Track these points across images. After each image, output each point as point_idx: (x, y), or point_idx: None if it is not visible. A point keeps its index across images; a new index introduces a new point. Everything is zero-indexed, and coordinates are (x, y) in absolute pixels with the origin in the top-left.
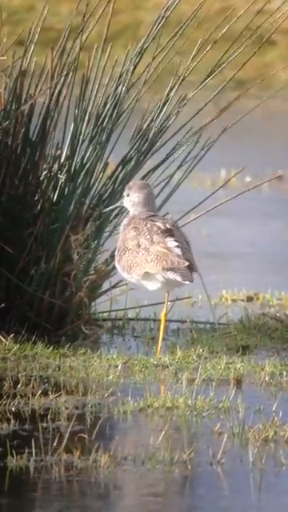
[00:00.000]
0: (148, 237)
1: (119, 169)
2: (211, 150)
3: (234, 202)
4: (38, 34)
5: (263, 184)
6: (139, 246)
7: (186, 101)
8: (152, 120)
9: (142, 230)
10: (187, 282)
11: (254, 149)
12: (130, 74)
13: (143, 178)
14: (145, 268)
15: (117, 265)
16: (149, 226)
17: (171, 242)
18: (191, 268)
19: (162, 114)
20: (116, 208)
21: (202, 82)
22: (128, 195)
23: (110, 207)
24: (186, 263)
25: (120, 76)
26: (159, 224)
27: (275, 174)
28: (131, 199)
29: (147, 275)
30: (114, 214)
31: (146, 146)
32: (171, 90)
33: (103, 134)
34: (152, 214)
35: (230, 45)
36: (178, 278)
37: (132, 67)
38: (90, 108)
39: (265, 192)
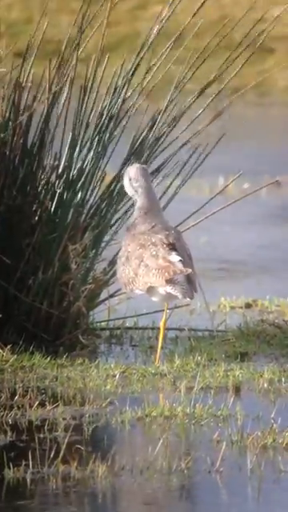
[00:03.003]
0: (154, 253)
1: (117, 178)
2: (209, 156)
3: (232, 209)
4: (36, 46)
5: (262, 190)
6: (142, 262)
7: (182, 112)
8: (150, 130)
9: (147, 247)
10: (188, 300)
11: (252, 155)
12: (127, 84)
13: None
14: (147, 283)
15: (118, 278)
16: (153, 240)
17: (174, 257)
18: (191, 283)
19: (160, 123)
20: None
21: (200, 92)
22: (130, 180)
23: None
24: (189, 270)
25: (117, 86)
26: (162, 237)
27: (273, 180)
28: (132, 184)
29: (150, 289)
30: (112, 222)
31: (143, 155)
32: (169, 100)
33: (101, 143)
34: (152, 225)
35: (230, 54)
36: (179, 295)
37: (129, 77)
38: (88, 118)
39: (263, 198)
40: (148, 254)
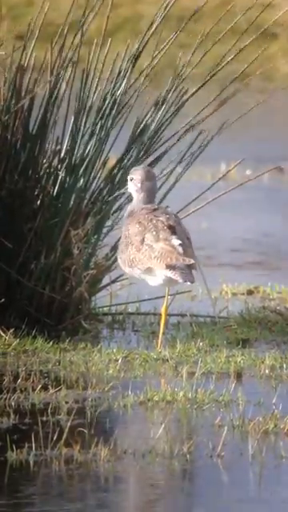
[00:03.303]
0: (154, 233)
1: (119, 164)
2: (211, 143)
3: (234, 195)
4: (37, 29)
5: (264, 177)
6: (143, 241)
7: (186, 98)
8: (152, 115)
9: (147, 226)
10: (188, 283)
11: (254, 142)
12: (130, 68)
13: None
14: (148, 264)
15: (119, 259)
16: (154, 221)
17: (175, 240)
18: (191, 267)
19: (162, 109)
20: (121, 194)
21: (205, 78)
22: (132, 180)
23: (116, 193)
24: (192, 261)
25: (120, 71)
26: (163, 219)
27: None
28: (135, 184)
29: (149, 270)
30: (114, 208)
31: (146, 141)
32: (172, 85)
33: (103, 128)
34: (153, 207)
35: (236, 41)
36: (179, 279)
37: (132, 62)
38: (90, 102)
39: (266, 185)
40: (149, 234)
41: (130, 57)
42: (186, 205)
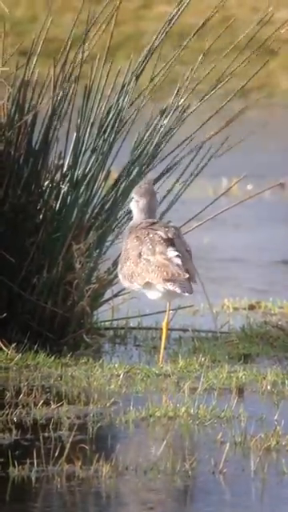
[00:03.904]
0: (150, 247)
1: (121, 178)
2: (212, 157)
3: (235, 210)
4: (40, 45)
5: (265, 192)
6: (140, 255)
7: (188, 114)
8: (154, 130)
9: (144, 240)
10: (186, 294)
11: (255, 157)
12: (132, 84)
13: None
14: (146, 278)
15: (119, 273)
16: (151, 235)
17: (171, 252)
18: (191, 279)
19: (164, 124)
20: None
21: (207, 94)
22: (132, 198)
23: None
24: (187, 275)
25: (122, 86)
26: (161, 233)
27: (277, 182)
28: (135, 201)
29: (148, 284)
30: (116, 222)
31: (148, 155)
32: (173, 101)
33: (105, 143)
34: (153, 221)
35: (236, 56)
36: (177, 290)
37: (134, 78)
38: (92, 118)
39: (267, 200)
40: (145, 248)
41: (133, 72)
42: (188, 220)
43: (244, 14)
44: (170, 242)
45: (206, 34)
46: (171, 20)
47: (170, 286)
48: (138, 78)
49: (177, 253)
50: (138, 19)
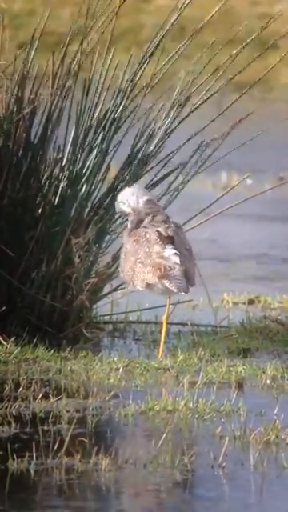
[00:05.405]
0: (147, 250)
1: (121, 172)
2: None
3: (236, 206)
4: (39, 38)
5: (264, 186)
6: (138, 258)
7: (191, 110)
8: (154, 124)
9: (141, 243)
10: (182, 293)
11: (254, 150)
12: (133, 78)
13: (146, 184)
14: (144, 280)
15: (120, 273)
16: (148, 236)
17: (168, 251)
18: (188, 278)
19: (166, 118)
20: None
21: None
22: (124, 203)
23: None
24: (179, 272)
25: (122, 81)
26: (160, 229)
27: (276, 176)
28: (128, 204)
29: (149, 285)
30: (115, 217)
31: (148, 149)
32: (174, 96)
33: (105, 137)
34: (155, 213)
35: (239, 49)
36: (173, 289)
37: (135, 73)
38: (91, 112)
39: (266, 194)
40: (142, 250)
41: (134, 67)
42: (191, 218)
43: (243, 8)
44: (168, 241)
45: (206, 28)
46: (175, 14)
47: (166, 284)
48: (137, 73)
49: (174, 251)
50: (137, 12)
